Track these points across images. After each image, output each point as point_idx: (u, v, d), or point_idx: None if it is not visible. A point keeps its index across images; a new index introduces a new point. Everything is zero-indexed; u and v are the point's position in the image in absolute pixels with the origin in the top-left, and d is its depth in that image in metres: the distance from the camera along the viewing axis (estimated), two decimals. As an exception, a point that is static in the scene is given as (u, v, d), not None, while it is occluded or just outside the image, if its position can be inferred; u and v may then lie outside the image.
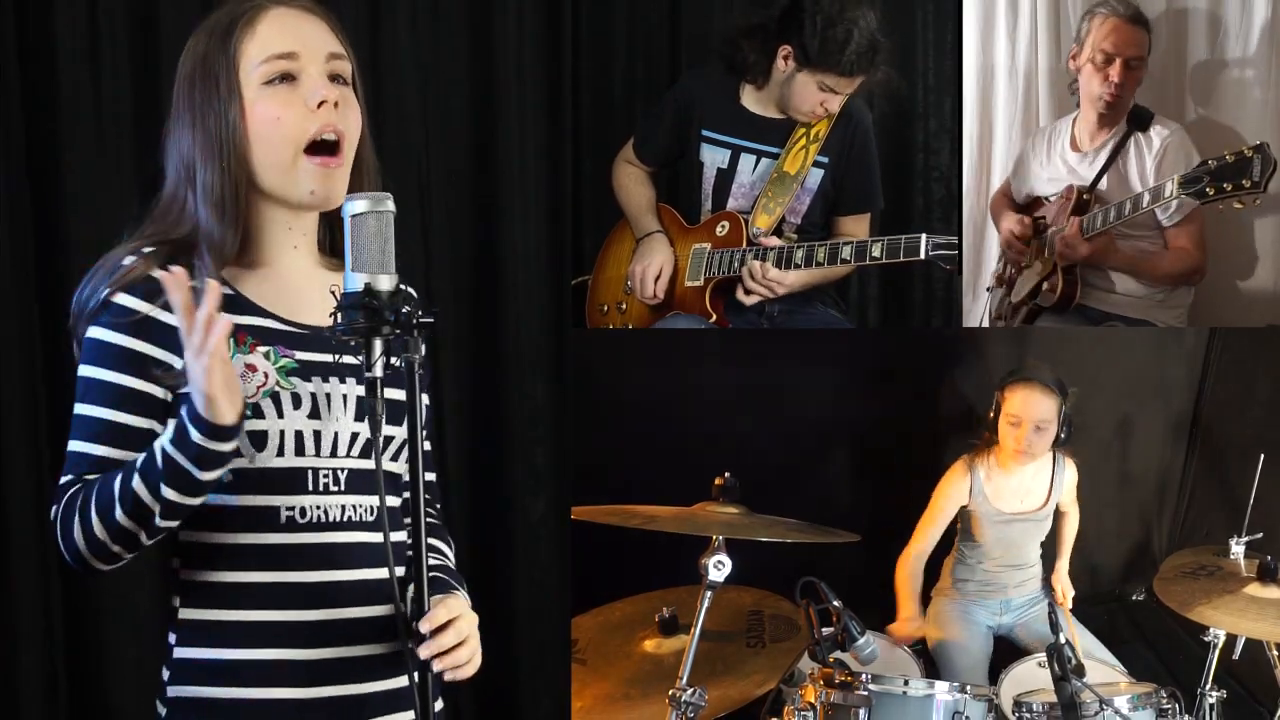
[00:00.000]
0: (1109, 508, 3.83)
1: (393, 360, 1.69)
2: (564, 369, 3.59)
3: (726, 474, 2.72)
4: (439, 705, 1.91)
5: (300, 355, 1.90)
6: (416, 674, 1.75)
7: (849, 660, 2.68)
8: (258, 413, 1.85)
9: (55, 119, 3.14)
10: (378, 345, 1.69)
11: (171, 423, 1.76)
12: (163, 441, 1.75)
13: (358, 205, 1.71)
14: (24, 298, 3.12)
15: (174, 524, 1.81)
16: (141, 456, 1.78)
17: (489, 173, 3.59)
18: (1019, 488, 3.48)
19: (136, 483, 1.76)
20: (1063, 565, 3.49)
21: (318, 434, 1.88)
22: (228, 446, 1.74)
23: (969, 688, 2.71)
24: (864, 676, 2.68)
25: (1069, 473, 3.53)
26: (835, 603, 2.60)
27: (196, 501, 1.78)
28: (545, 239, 3.65)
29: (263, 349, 1.88)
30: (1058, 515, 3.58)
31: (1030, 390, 3.34)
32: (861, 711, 2.64)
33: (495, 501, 3.61)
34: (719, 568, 2.51)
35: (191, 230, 1.90)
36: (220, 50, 1.89)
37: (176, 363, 1.83)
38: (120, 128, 3.19)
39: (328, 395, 1.89)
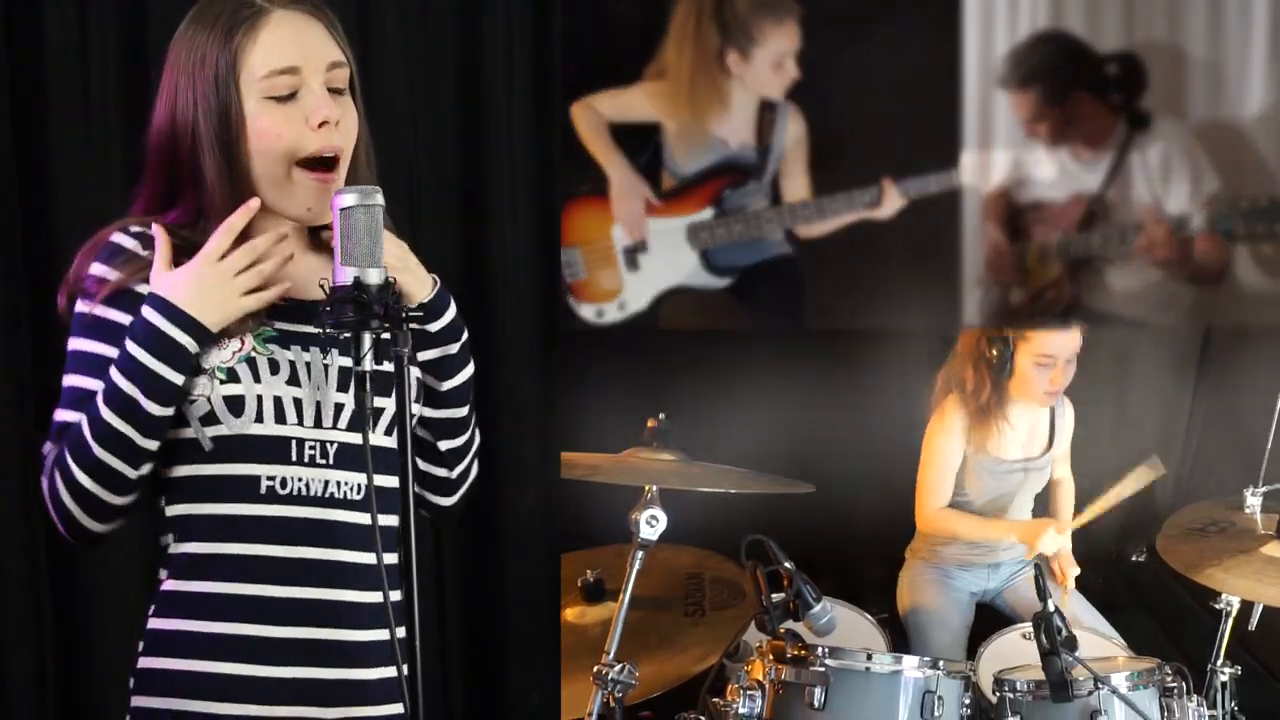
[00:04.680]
0: (1104, 454, 3.78)
1: (382, 336, 1.77)
2: (552, 367, 3.67)
3: (661, 415, 2.60)
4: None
5: (280, 324, 1.97)
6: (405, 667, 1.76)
7: (802, 631, 2.56)
8: (233, 377, 1.92)
9: (44, 108, 3.20)
10: (366, 339, 1.76)
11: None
12: (130, 345, 1.87)
13: (347, 199, 1.78)
14: (12, 288, 3.16)
15: (154, 444, 1.88)
16: (100, 390, 1.90)
17: (478, 171, 3.67)
18: (1021, 432, 3.47)
19: (104, 411, 1.87)
20: (1065, 541, 3.44)
21: (298, 401, 1.95)
22: (191, 346, 1.86)
23: (942, 663, 2.59)
24: (820, 650, 2.55)
25: (1069, 412, 3.52)
26: (786, 564, 2.48)
27: (168, 411, 1.86)
28: (535, 237, 3.72)
29: None
30: (1051, 482, 3.59)
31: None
32: (818, 691, 2.51)
33: (483, 498, 3.59)
34: (652, 523, 2.39)
35: (193, 185, 1.96)
36: (221, 51, 1.96)
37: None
38: (108, 117, 3.23)
39: (308, 364, 1.97)
